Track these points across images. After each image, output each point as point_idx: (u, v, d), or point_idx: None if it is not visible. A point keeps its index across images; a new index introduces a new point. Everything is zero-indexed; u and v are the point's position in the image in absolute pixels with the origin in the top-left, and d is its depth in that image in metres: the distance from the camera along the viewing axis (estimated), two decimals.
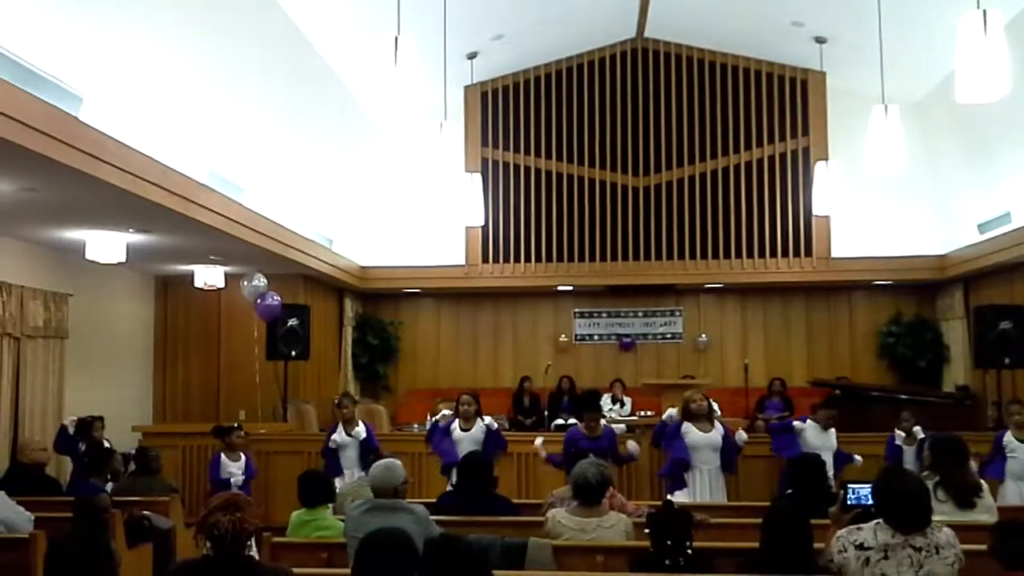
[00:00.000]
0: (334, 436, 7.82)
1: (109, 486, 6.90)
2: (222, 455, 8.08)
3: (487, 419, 7.46)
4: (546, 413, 11.77)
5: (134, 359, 11.30)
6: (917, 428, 7.71)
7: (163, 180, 6.99)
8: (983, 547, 4.24)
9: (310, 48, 9.83)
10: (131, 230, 8.21)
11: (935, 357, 12.68)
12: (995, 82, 4.68)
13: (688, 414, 7.10)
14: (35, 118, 5.34)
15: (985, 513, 5.07)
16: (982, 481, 5.31)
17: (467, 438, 7.28)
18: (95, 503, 6.01)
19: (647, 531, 4.18)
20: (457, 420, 7.43)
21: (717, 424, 7.13)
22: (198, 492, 8.83)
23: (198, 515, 3.31)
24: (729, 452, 7.11)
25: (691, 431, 7.03)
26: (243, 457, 8.15)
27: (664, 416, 7.58)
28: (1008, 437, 7.25)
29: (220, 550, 3.20)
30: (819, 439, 7.42)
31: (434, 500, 5.71)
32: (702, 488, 6.97)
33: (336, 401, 8.29)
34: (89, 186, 6.31)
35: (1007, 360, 9.81)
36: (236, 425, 8.50)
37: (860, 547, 3.68)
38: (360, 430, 7.85)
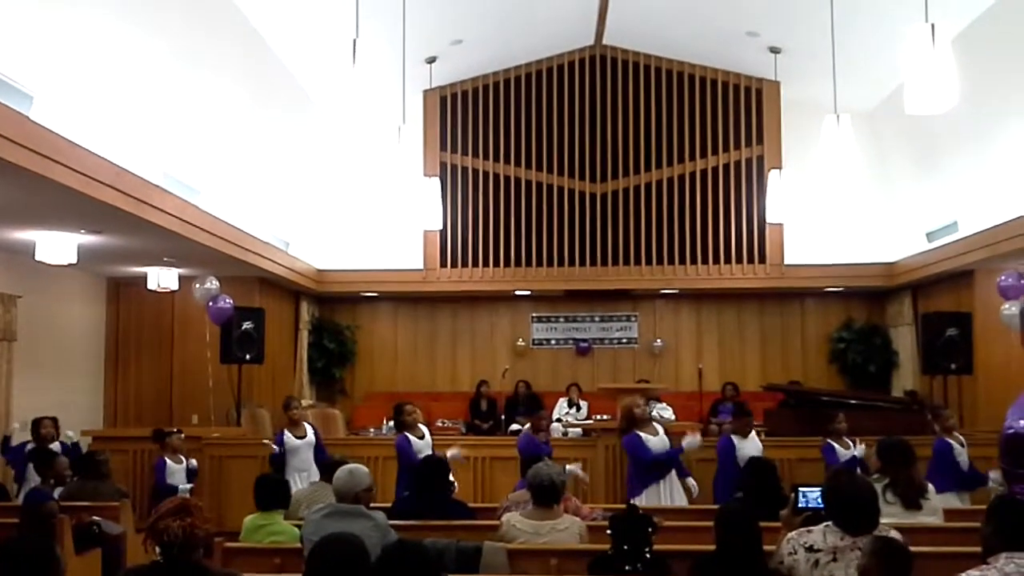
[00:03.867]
0: (285, 439, 7.87)
1: (58, 491, 6.77)
2: (167, 459, 8.13)
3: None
4: (503, 417, 11.78)
5: (85, 362, 11.11)
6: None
7: (116, 181, 6.89)
8: (929, 549, 4.35)
9: (267, 49, 9.76)
10: (83, 231, 8.09)
11: (884, 363, 12.93)
12: (943, 94, 4.79)
13: (633, 422, 7.09)
14: None
15: (931, 515, 5.19)
16: (929, 483, 5.44)
17: (424, 447, 7.29)
18: (42, 510, 5.89)
19: (609, 532, 4.21)
20: (406, 433, 7.40)
21: (658, 427, 7.22)
22: (150, 497, 8.70)
23: (148, 520, 3.28)
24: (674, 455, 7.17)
25: (648, 438, 7.03)
26: (184, 460, 8.24)
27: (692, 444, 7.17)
28: (951, 443, 7.28)
29: (170, 556, 3.17)
30: (749, 446, 7.35)
31: (388, 505, 5.68)
32: (663, 491, 7.05)
33: (284, 403, 8.30)
34: (40, 186, 6.21)
35: (953, 366, 10.01)
36: (176, 429, 8.58)
37: (810, 549, 3.75)
38: (309, 433, 7.89)
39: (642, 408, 7.16)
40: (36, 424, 8.01)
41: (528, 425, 7.85)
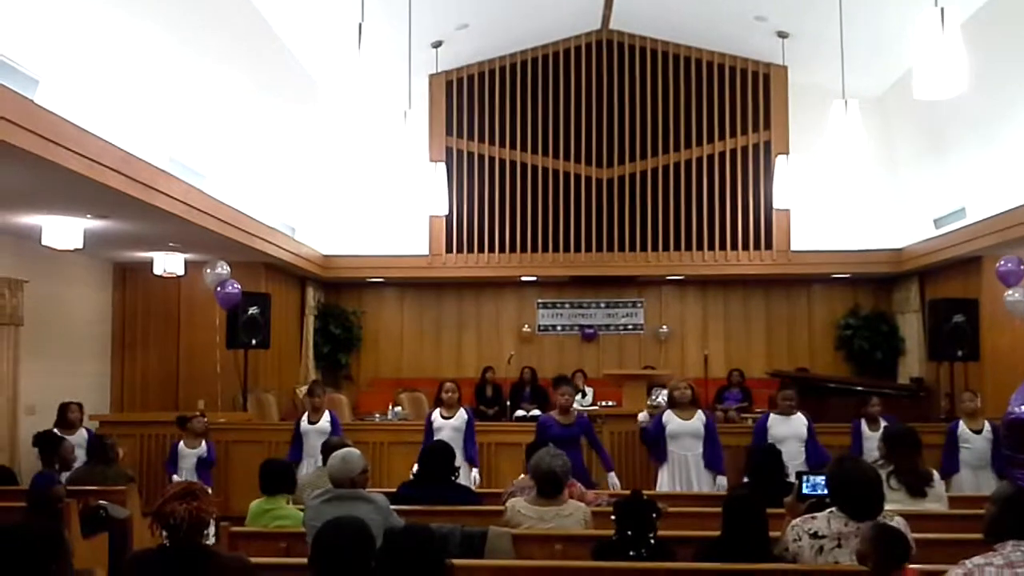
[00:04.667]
0: (300, 423, 7.97)
1: (64, 475, 6.81)
2: (181, 443, 8.25)
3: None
4: (508, 403, 11.80)
5: (92, 347, 11.14)
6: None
7: (122, 166, 6.89)
8: (934, 535, 4.35)
9: (272, 33, 9.74)
10: (89, 216, 8.09)
11: (891, 349, 12.90)
12: (952, 79, 4.75)
13: (672, 402, 7.20)
14: None
15: (936, 502, 5.18)
16: (934, 471, 5.43)
17: (448, 426, 7.32)
18: (50, 494, 5.92)
19: (613, 518, 4.22)
20: (438, 409, 7.46)
21: (699, 413, 7.13)
22: (156, 481, 8.74)
23: (155, 504, 3.29)
24: (712, 444, 7.04)
25: (672, 419, 7.07)
26: (203, 443, 8.27)
27: (641, 420, 7.83)
28: (961, 427, 7.39)
29: (176, 539, 3.18)
30: (785, 427, 7.08)
31: (394, 490, 5.69)
32: (681, 474, 7.02)
33: (308, 389, 8.33)
34: (46, 171, 6.20)
35: (960, 353, 9.97)
36: (200, 413, 8.62)
37: (814, 535, 3.75)
38: (324, 421, 7.91)
39: (681, 391, 7.16)
40: (63, 408, 8.11)
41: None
